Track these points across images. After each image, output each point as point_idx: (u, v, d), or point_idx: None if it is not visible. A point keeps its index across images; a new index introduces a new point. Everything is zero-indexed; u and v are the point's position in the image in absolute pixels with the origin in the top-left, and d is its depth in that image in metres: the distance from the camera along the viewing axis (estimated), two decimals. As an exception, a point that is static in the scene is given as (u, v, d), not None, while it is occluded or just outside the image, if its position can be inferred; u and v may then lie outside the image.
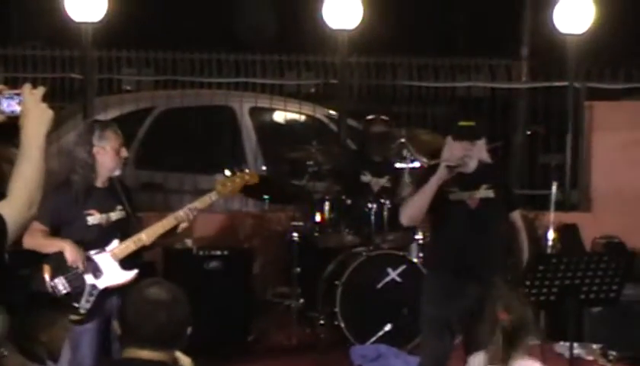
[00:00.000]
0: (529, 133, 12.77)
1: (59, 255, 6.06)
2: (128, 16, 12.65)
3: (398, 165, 8.80)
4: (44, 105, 3.59)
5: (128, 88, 12.79)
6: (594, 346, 8.28)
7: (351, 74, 11.04)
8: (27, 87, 3.60)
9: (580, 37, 10.36)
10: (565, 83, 10.62)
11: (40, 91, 3.61)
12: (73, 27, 9.73)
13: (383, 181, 8.86)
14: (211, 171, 9.52)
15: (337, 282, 8.28)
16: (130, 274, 6.18)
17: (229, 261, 8.47)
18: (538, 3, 13.28)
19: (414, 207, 6.32)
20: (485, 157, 6.39)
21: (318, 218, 8.70)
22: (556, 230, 9.08)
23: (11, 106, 3.57)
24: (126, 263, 6.20)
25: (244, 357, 8.24)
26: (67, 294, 6.06)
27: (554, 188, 9.12)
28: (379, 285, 8.35)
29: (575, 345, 7.24)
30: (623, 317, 8.28)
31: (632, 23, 16.57)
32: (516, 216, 6.53)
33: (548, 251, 8.86)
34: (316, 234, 8.70)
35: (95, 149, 6.13)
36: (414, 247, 8.65)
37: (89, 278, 6.11)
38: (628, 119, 10.37)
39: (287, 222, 9.26)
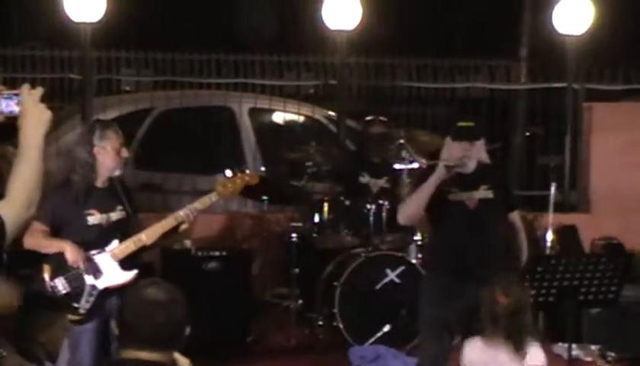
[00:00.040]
0: (528, 134, 12.74)
1: (59, 255, 6.06)
2: (127, 16, 12.67)
3: (397, 166, 8.77)
4: (43, 105, 3.58)
5: (127, 88, 12.75)
6: (593, 347, 8.28)
7: (350, 75, 11.03)
8: (25, 87, 3.60)
9: (579, 38, 10.35)
10: (564, 84, 10.62)
11: (39, 91, 3.60)
12: (72, 28, 9.72)
13: (382, 182, 8.84)
14: (210, 171, 9.52)
15: (335, 283, 8.27)
16: (130, 275, 6.18)
17: (228, 261, 8.46)
18: (537, 4, 13.29)
19: (411, 206, 6.32)
20: (484, 158, 6.39)
21: (316, 219, 8.68)
22: (555, 231, 9.09)
23: (10, 106, 3.56)
24: (125, 263, 6.20)
25: (242, 358, 8.23)
26: (67, 294, 6.06)
27: (553, 189, 9.13)
28: (378, 286, 8.34)
29: (574, 346, 7.23)
30: (622, 318, 8.28)
31: (631, 24, 16.58)
32: (515, 216, 6.54)
33: (547, 252, 8.87)
34: (315, 235, 8.69)
35: (96, 149, 6.13)
36: (412, 248, 8.64)
37: (89, 278, 6.11)
38: (627, 120, 10.36)
39: (286, 223, 9.25)
